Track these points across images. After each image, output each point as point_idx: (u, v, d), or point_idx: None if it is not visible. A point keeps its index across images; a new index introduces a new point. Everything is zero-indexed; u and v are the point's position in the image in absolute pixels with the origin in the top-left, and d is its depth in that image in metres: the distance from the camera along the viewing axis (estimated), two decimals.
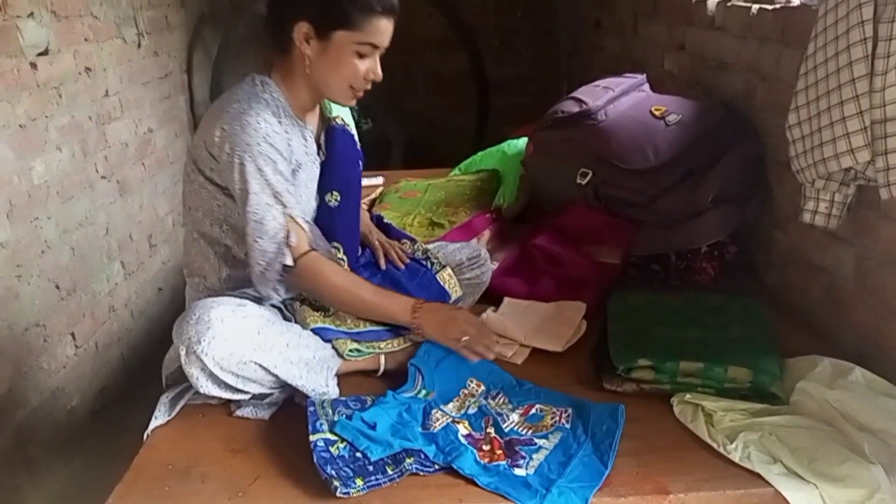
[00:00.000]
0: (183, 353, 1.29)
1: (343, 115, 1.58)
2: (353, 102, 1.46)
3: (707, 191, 1.81)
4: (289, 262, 1.37)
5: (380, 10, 1.34)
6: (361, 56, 1.37)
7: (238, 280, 1.48)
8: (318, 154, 1.52)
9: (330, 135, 1.53)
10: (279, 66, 1.42)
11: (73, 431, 2.17)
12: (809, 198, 1.48)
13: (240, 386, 1.34)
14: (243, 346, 1.30)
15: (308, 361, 1.39)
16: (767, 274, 1.91)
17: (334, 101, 1.50)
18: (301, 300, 1.52)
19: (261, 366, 1.32)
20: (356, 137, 1.62)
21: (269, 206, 1.34)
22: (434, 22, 4.20)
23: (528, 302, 1.74)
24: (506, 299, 1.76)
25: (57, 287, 2.16)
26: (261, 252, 1.35)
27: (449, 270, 1.67)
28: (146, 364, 2.58)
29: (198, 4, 3.56)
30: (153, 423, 1.37)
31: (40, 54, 2.12)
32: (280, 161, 1.36)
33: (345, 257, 1.58)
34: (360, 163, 1.63)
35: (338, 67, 1.37)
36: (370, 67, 1.39)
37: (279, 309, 1.51)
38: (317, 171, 1.51)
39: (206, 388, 1.32)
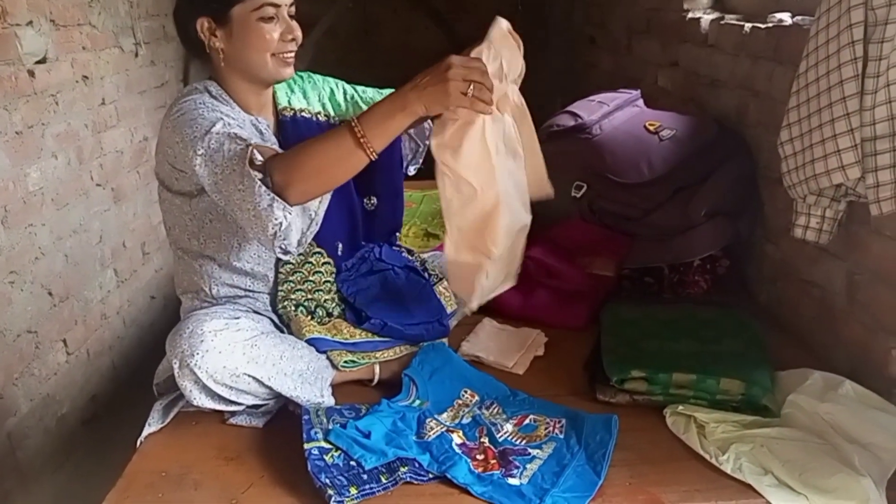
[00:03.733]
0: (176, 366, 1.28)
1: (296, 103, 1.51)
2: (290, 71, 1.38)
3: (700, 205, 1.83)
4: (259, 180, 1.19)
5: None
6: (268, 20, 1.32)
7: (230, 290, 1.48)
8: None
9: (281, 128, 1.48)
10: (212, 73, 1.42)
11: (63, 439, 2.15)
12: (801, 213, 1.50)
13: (234, 398, 1.34)
14: (237, 358, 1.30)
15: (302, 373, 1.39)
16: (759, 288, 1.93)
17: (272, 79, 1.40)
18: (296, 306, 1.52)
19: (254, 378, 1.33)
20: (319, 119, 1.52)
21: (232, 150, 1.22)
22: (431, 35, 4.24)
23: (501, 326, 1.76)
24: (485, 320, 1.77)
25: (50, 294, 2.15)
26: (245, 193, 1.18)
27: (445, 283, 1.67)
28: (137, 372, 2.57)
29: None
30: (146, 430, 1.37)
31: (38, 62, 2.13)
32: (227, 117, 1.29)
33: (330, 259, 1.56)
34: None
35: (250, 42, 1.33)
36: (284, 29, 1.34)
37: (272, 321, 1.51)
38: None
39: (200, 400, 1.32)
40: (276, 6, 1.33)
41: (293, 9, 1.38)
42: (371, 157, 1.20)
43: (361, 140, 1.18)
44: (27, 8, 2.07)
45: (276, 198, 1.19)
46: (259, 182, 1.18)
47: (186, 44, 1.40)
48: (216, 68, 1.40)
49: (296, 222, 1.23)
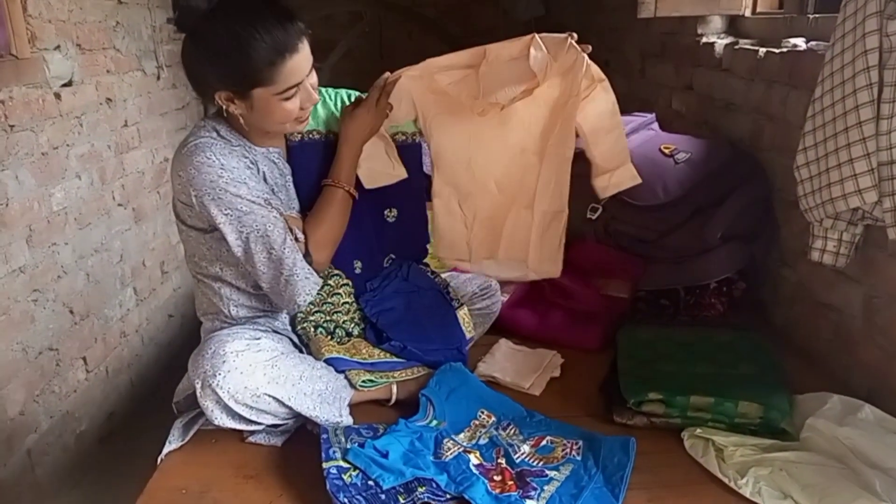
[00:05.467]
0: (198, 386, 1.30)
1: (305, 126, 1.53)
2: (305, 125, 1.43)
3: (716, 228, 1.84)
4: (303, 252, 1.40)
5: (286, 55, 1.28)
6: (288, 98, 1.32)
7: (249, 311, 1.50)
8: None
9: (291, 153, 1.51)
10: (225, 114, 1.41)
11: (81, 456, 2.17)
12: (818, 237, 1.51)
13: (254, 418, 1.35)
14: (258, 379, 1.31)
15: (321, 393, 1.40)
16: (776, 311, 1.93)
17: (286, 133, 1.48)
18: (315, 327, 1.53)
19: (275, 398, 1.34)
20: (329, 139, 1.53)
21: (266, 216, 1.34)
22: None
23: (517, 347, 1.76)
24: (501, 340, 1.78)
25: (71, 312, 2.18)
26: (280, 261, 1.35)
27: (465, 310, 1.67)
28: (154, 390, 2.59)
29: None
30: (167, 448, 1.38)
31: (64, 85, 2.19)
32: (249, 178, 1.36)
33: (348, 281, 1.59)
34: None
35: (269, 116, 1.34)
36: (304, 98, 1.35)
37: (291, 340, 1.53)
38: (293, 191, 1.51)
39: (221, 420, 1.33)
40: (298, 85, 1.32)
41: (313, 73, 1.37)
42: (355, 195, 1.50)
43: (349, 191, 1.49)
44: (55, 33, 2.13)
45: (313, 274, 1.41)
46: (301, 257, 1.38)
47: (198, 95, 1.41)
48: (230, 117, 1.39)
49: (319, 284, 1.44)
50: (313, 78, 1.36)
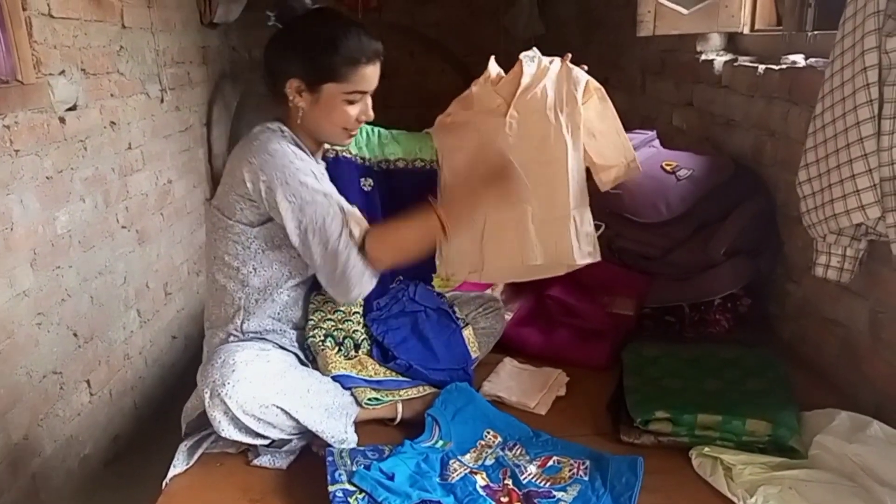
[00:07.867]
0: (207, 395, 1.30)
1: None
2: (349, 142, 1.53)
3: (720, 244, 1.84)
4: (357, 250, 1.38)
5: (365, 60, 1.40)
6: (351, 102, 1.42)
7: (259, 326, 1.50)
8: None
9: (327, 167, 1.57)
10: (282, 118, 1.49)
11: (85, 480, 2.16)
12: (822, 252, 1.51)
13: (260, 430, 1.35)
14: (266, 389, 1.32)
15: (328, 407, 1.40)
16: (782, 326, 1.92)
17: (333, 144, 1.57)
18: (325, 336, 1.54)
19: (282, 409, 1.34)
20: (358, 161, 1.66)
21: (326, 208, 1.37)
22: (447, 79, 4.33)
23: (522, 366, 1.76)
24: (506, 359, 1.77)
25: (75, 335, 2.18)
26: (335, 255, 1.36)
27: (470, 329, 1.69)
28: (158, 412, 2.58)
29: (219, 62, 3.69)
30: (172, 471, 1.38)
31: (69, 109, 2.20)
32: (316, 171, 1.43)
33: None
34: (367, 187, 1.66)
35: (330, 115, 1.43)
36: (362, 110, 1.45)
37: (298, 357, 1.52)
38: None
39: (228, 431, 1.33)
40: (364, 93, 1.43)
41: (369, 99, 1.46)
42: (448, 239, 1.46)
43: (443, 226, 1.42)
44: (60, 58, 2.14)
45: (368, 269, 1.38)
46: (356, 252, 1.37)
47: (269, 85, 1.47)
48: (290, 118, 1.46)
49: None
50: (370, 107, 1.46)
